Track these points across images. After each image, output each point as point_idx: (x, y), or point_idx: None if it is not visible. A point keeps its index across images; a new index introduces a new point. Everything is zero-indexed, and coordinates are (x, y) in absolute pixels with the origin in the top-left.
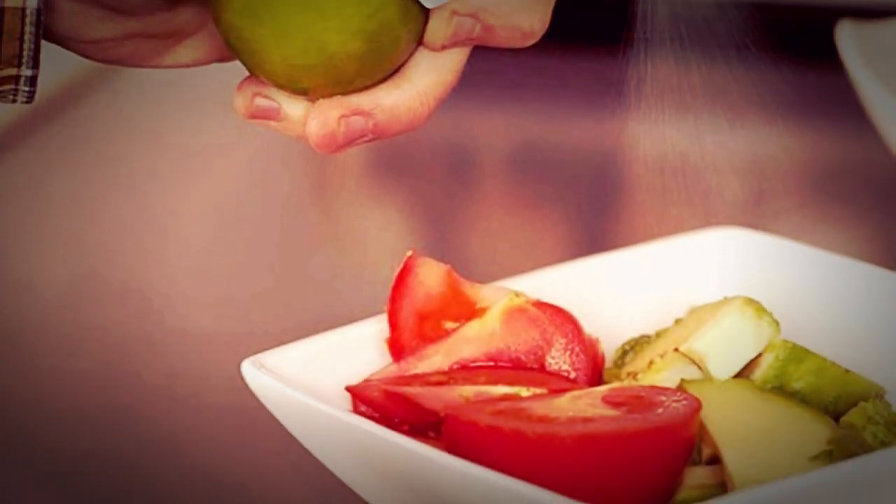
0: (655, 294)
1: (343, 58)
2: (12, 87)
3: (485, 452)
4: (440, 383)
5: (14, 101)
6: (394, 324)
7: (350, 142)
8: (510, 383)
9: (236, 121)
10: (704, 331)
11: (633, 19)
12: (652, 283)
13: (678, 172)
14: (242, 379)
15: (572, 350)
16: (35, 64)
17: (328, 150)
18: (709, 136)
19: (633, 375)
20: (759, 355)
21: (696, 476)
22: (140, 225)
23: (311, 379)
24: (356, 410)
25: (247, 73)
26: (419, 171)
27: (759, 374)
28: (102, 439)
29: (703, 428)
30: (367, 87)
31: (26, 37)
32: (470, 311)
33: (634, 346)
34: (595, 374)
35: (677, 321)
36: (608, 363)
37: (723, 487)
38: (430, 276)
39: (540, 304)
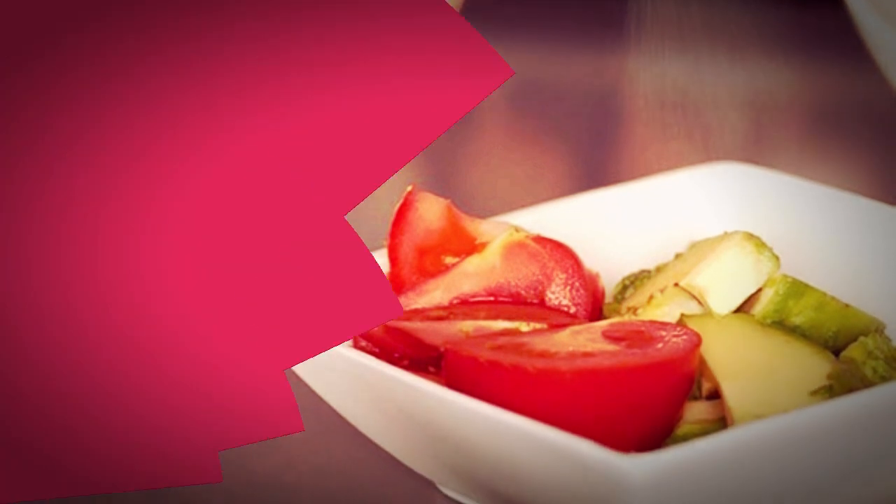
0: (655, 229)
1: None
2: None
3: (484, 387)
4: (440, 318)
5: None
6: (394, 259)
7: None
8: (510, 318)
9: None
10: (704, 265)
11: None
12: (652, 218)
13: (678, 108)
14: None
15: (572, 285)
16: None
17: None
18: (709, 71)
19: (633, 310)
20: (759, 290)
21: (696, 411)
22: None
23: None
24: (356, 345)
25: None
26: None
27: (759, 308)
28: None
29: (703, 363)
30: None
31: None
32: (470, 246)
33: (634, 280)
34: (595, 308)
35: (677, 256)
36: (608, 298)
37: (722, 422)
38: (430, 210)
39: (540, 239)
